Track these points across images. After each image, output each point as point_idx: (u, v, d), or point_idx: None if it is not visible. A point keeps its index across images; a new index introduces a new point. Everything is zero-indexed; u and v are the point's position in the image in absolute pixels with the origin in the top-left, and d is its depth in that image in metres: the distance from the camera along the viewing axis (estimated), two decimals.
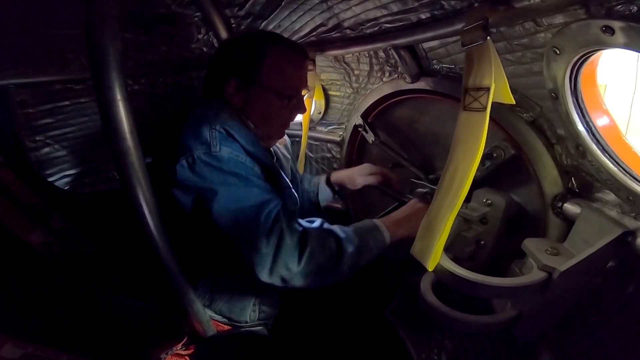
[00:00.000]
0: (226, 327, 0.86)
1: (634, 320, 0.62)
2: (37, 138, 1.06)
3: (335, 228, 0.79)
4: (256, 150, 0.78)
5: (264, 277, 0.70)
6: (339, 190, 1.18)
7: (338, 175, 1.16)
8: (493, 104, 0.55)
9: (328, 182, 1.16)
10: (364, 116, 1.13)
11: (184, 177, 0.72)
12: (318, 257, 0.72)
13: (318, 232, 0.77)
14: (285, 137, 1.06)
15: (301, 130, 1.41)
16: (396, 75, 1.00)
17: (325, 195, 1.16)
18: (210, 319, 0.82)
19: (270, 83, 0.86)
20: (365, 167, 1.11)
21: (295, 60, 0.89)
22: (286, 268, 0.70)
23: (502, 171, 0.80)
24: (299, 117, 1.24)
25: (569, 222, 0.69)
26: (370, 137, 1.14)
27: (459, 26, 0.63)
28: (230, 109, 0.84)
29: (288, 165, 1.07)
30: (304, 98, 0.97)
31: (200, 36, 1.13)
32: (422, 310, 0.69)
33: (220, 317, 0.84)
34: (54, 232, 1.00)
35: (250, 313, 0.87)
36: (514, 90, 0.58)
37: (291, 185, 0.94)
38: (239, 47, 0.88)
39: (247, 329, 0.88)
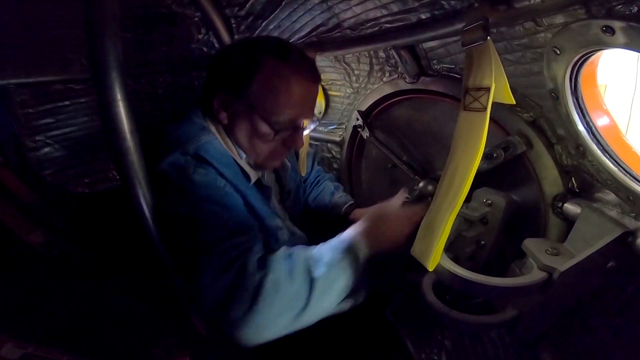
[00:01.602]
0: None
1: (634, 320, 0.62)
2: (37, 138, 1.06)
3: (308, 267, 0.65)
4: (233, 177, 0.71)
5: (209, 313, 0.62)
6: None
7: (354, 218, 1.11)
8: (493, 104, 0.55)
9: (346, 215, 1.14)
10: (364, 116, 1.13)
11: (159, 199, 0.68)
12: (274, 306, 0.60)
13: (285, 276, 0.62)
14: None
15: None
16: (396, 75, 1.00)
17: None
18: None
19: (258, 103, 0.73)
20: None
21: (297, 81, 0.73)
22: (229, 313, 0.59)
23: (502, 171, 0.80)
24: None
25: (569, 222, 0.69)
26: (365, 133, 1.14)
27: (459, 26, 0.63)
28: (214, 126, 0.77)
29: (286, 175, 0.99)
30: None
31: (200, 36, 1.13)
32: (422, 310, 0.69)
33: None
34: (54, 232, 1.00)
35: None
36: (514, 90, 0.58)
37: (278, 225, 0.79)
38: (234, 54, 0.76)
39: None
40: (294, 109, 0.75)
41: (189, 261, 0.64)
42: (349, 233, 0.74)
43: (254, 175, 0.79)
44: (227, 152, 0.76)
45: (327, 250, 0.69)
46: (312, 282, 0.63)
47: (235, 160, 0.76)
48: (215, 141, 0.75)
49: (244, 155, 0.81)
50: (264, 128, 0.75)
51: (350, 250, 0.69)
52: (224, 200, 0.68)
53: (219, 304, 0.59)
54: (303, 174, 1.17)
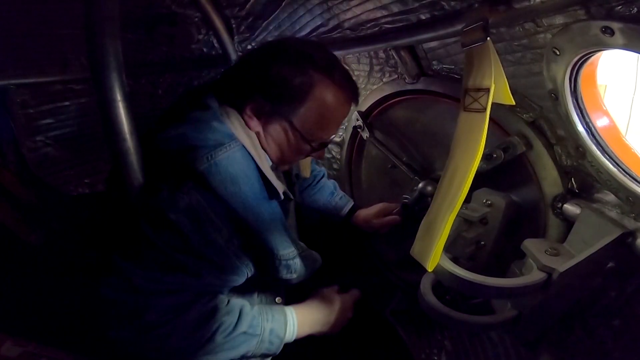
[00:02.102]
0: None
1: (634, 321, 0.62)
2: (37, 138, 1.06)
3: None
4: (260, 202, 0.66)
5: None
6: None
7: (355, 221, 1.15)
8: (493, 104, 0.55)
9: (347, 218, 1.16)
10: (364, 117, 1.13)
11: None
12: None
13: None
14: None
15: None
16: (396, 75, 1.00)
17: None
18: None
19: (302, 125, 0.70)
20: (380, 209, 1.10)
21: (342, 103, 0.72)
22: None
23: (502, 171, 0.80)
24: None
25: (569, 222, 0.69)
26: (365, 133, 1.14)
27: (459, 27, 0.63)
28: (242, 131, 0.69)
29: (294, 177, 0.97)
30: None
31: (200, 36, 1.13)
32: (422, 310, 0.69)
33: None
34: (55, 232, 1.00)
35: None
36: (513, 91, 0.58)
37: (292, 254, 0.73)
38: (285, 64, 0.68)
39: None
40: (333, 129, 0.75)
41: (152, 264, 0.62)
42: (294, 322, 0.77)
43: (281, 188, 0.71)
44: (250, 169, 0.67)
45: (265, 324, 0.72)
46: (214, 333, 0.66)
47: (260, 176, 0.68)
48: (238, 154, 0.66)
49: (270, 162, 0.74)
50: (301, 144, 0.73)
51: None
52: (213, 236, 0.63)
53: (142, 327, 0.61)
54: (307, 176, 1.12)
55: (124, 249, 0.64)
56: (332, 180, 1.26)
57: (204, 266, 0.64)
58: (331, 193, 1.20)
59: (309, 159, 1.15)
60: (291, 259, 0.72)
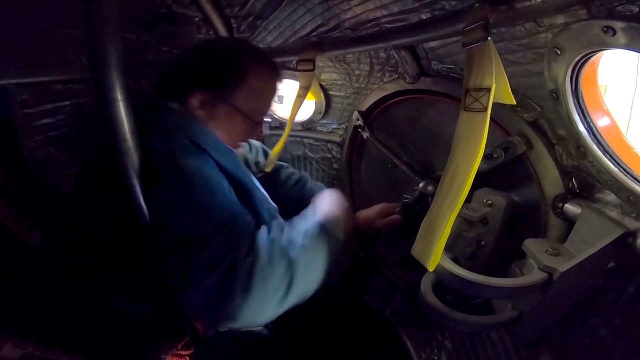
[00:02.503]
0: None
1: (634, 321, 0.62)
2: (37, 138, 1.06)
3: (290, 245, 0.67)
4: (229, 164, 0.72)
5: (201, 310, 0.62)
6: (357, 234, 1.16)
7: (356, 223, 1.09)
8: (493, 104, 0.55)
9: None
10: (365, 116, 1.13)
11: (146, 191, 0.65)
12: (263, 294, 0.62)
13: (270, 258, 0.64)
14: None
15: (301, 130, 1.41)
16: (397, 75, 1.00)
17: None
18: None
19: (244, 104, 0.79)
20: (382, 210, 1.07)
21: (273, 82, 0.84)
22: (222, 307, 0.60)
23: (503, 171, 0.80)
24: (298, 117, 1.25)
25: (570, 222, 0.69)
26: (365, 133, 1.13)
27: (459, 26, 0.63)
28: (195, 116, 0.77)
29: (254, 165, 1.02)
30: (299, 96, 0.95)
31: (200, 36, 1.13)
32: (422, 310, 0.69)
33: None
34: (53, 233, 1.00)
35: None
36: (514, 91, 0.58)
37: (267, 196, 0.84)
38: (217, 57, 0.79)
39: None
40: (269, 103, 0.87)
41: (178, 256, 0.63)
42: (317, 212, 0.78)
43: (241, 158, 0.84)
44: (222, 141, 0.76)
45: (302, 232, 0.71)
46: (291, 265, 0.65)
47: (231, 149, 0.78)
48: (208, 129, 0.75)
49: None
50: (245, 124, 0.82)
51: (322, 230, 0.72)
52: (215, 190, 0.66)
53: (212, 299, 0.60)
54: (267, 170, 1.15)
55: (170, 251, 0.63)
56: (320, 184, 1.24)
57: (233, 211, 0.66)
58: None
59: (273, 156, 1.14)
60: (274, 220, 0.76)
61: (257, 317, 0.63)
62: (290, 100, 1.11)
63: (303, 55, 1.01)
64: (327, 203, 0.81)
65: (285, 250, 0.66)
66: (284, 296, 0.64)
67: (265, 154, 1.21)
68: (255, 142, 1.18)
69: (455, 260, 0.71)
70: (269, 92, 0.85)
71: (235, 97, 0.79)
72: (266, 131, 1.45)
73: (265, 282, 0.61)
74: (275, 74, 0.85)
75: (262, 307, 0.62)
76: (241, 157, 1.01)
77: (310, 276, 0.68)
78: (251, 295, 0.60)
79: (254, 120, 0.83)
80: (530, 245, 0.66)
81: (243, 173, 0.77)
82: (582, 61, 0.55)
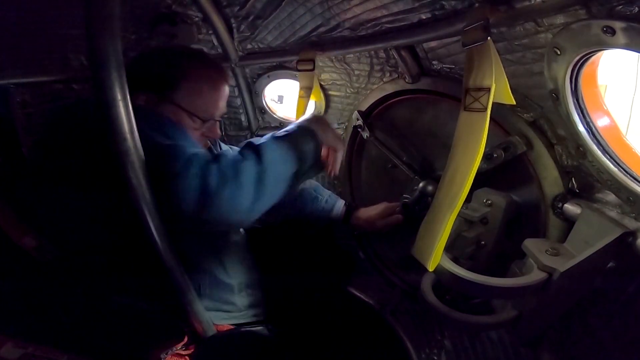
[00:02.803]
0: (226, 327, 0.86)
1: (634, 321, 0.62)
2: (37, 138, 1.06)
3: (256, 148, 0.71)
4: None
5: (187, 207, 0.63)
6: (357, 234, 1.19)
7: (357, 222, 1.13)
8: (493, 104, 0.55)
9: (345, 220, 1.14)
10: (364, 116, 1.13)
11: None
12: (235, 187, 0.65)
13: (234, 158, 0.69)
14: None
15: None
16: (396, 75, 1.00)
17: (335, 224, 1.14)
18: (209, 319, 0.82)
19: (186, 104, 0.83)
20: (384, 210, 1.09)
21: (215, 83, 0.87)
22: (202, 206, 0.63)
23: (503, 171, 0.80)
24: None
25: (570, 222, 0.69)
26: (365, 133, 1.14)
27: (459, 26, 0.63)
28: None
29: None
30: (301, 97, 0.95)
31: (200, 36, 1.13)
32: (422, 310, 0.69)
33: (214, 312, 0.84)
34: (47, 236, 0.99)
35: (239, 299, 0.88)
36: (514, 91, 0.58)
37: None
38: (157, 61, 0.85)
39: (247, 329, 0.88)
40: (214, 105, 0.88)
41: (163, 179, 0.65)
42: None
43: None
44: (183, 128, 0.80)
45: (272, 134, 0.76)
46: (260, 153, 0.68)
47: None
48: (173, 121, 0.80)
49: None
50: (193, 124, 0.85)
51: (296, 127, 0.78)
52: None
53: (191, 200, 0.63)
54: None
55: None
56: (315, 183, 1.23)
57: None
58: (315, 198, 1.15)
59: None
60: None
61: (234, 207, 0.65)
62: (290, 100, 1.11)
63: (303, 55, 1.01)
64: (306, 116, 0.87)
65: (256, 145, 0.70)
66: (257, 185, 0.66)
67: None
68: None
69: (455, 260, 0.71)
70: (213, 92, 0.87)
71: (178, 97, 0.83)
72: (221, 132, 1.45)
73: (236, 169, 0.66)
74: (217, 75, 0.88)
75: (238, 196, 0.65)
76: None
77: (281, 168, 0.71)
78: (226, 183, 0.64)
79: (200, 118, 0.85)
80: (530, 245, 0.66)
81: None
82: (582, 61, 0.55)
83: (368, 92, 1.12)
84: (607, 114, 0.62)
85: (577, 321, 0.70)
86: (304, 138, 0.76)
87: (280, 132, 0.76)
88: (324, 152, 0.81)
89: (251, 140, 0.74)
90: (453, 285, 0.61)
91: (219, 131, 0.93)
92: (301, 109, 1.08)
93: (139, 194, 0.66)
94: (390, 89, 1.03)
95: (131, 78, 0.79)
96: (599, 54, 0.54)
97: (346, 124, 1.26)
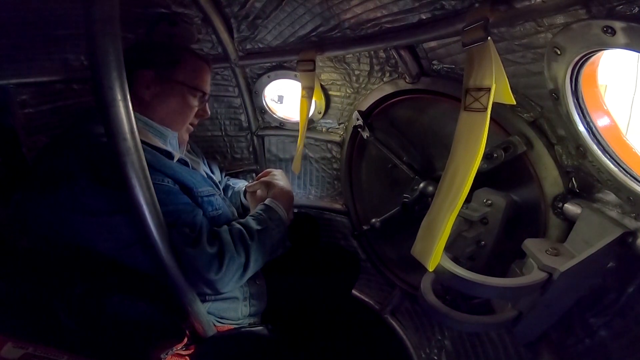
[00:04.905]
0: (225, 327, 0.86)
1: (634, 321, 0.62)
2: (37, 138, 1.06)
3: (241, 227, 0.84)
4: (162, 166, 0.79)
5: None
6: (357, 234, 1.30)
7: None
8: (493, 104, 0.55)
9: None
10: (365, 116, 1.13)
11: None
12: (236, 261, 0.78)
13: (232, 238, 0.81)
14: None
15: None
16: (396, 75, 1.00)
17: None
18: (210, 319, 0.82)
19: (185, 78, 0.93)
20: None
21: (204, 66, 0.98)
22: (206, 277, 0.75)
23: (503, 171, 0.80)
24: (298, 117, 1.25)
25: (570, 222, 0.69)
26: (365, 133, 1.14)
27: (459, 26, 0.63)
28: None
29: (200, 169, 1.04)
30: (304, 97, 0.97)
31: (200, 36, 1.13)
32: (422, 310, 0.69)
33: (214, 317, 0.85)
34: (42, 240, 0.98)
35: (242, 309, 0.89)
36: (514, 91, 0.58)
37: (210, 191, 0.91)
38: (154, 48, 0.94)
39: (247, 329, 0.88)
40: (205, 84, 0.99)
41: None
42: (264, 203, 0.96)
43: (176, 153, 0.90)
44: (153, 148, 0.82)
45: (253, 220, 0.89)
46: (248, 248, 0.82)
47: (150, 145, 0.82)
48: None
49: (168, 135, 0.92)
50: (188, 97, 0.94)
51: (269, 213, 0.92)
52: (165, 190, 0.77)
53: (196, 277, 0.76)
54: (296, 172, 1.20)
55: None
56: (233, 179, 1.28)
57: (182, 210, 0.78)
58: (232, 189, 1.21)
59: (299, 157, 1.16)
60: (212, 196, 0.90)
61: (227, 286, 0.79)
62: (290, 100, 1.11)
63: (303, 55, 1.01)
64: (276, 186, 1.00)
65: (244, 237, 0.83)
66: (243, 272, 0.81)
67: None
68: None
69: (455, 260, 0.71)
70: (202, 70, 0.97)
71: (180, 75, 0.92)
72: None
73: (231, 262, 0.78)
74: (202, 58, 0.98)
75: (228, 281, 0.78)
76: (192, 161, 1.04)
77: (263, 252, 0.85)
78: (221, 273, 0.76)
79: (201, 90, 0.96)
80: (530, 245, 0.66)
81: (169, 167, 0.81)
82: (582, 61, 0.55)
83: (368, 92, 1.12)
84: (607, 113, 0.62)
85: (577, 321, 0.70)
86: (278, 229, 0.90)
87: (256, 225, 0.87)
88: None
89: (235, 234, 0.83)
90: (453, 285, 0.61)
91: (208, 111, 1.03)
92: (304, 109, 1.08)
93: (139, 194, 0.66)
94: (390, 89, 1.03)
95: (133, 58, 0.86)
96: (599, 54, 0.54)
97: (346, 124, 1.26)
